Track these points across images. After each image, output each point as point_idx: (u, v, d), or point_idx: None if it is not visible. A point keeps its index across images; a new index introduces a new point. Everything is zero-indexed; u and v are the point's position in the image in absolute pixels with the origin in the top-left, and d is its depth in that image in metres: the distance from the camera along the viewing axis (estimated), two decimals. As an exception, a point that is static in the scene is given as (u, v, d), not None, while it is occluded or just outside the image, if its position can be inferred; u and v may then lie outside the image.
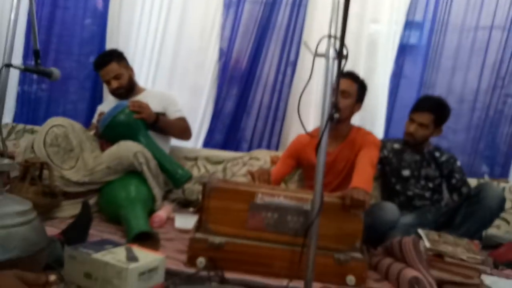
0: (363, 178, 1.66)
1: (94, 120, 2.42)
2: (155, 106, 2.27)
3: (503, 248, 1.89)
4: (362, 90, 2.06)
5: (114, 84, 2.31)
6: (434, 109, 2.09)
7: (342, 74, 1.95)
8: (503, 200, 1.88)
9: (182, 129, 2.39)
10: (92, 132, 2.18)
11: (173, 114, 2.37)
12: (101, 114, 2.24)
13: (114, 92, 2.35)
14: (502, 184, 2.42)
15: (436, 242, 1.53)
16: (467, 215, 1.90)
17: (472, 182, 2.24)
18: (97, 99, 2.88)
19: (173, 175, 2.14)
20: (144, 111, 2.10)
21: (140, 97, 2.33)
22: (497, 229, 2.31)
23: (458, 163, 2.20)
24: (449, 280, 1.43)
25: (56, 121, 1.92)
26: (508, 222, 2.37)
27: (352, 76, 2.00)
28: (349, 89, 1.97)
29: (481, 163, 2.65)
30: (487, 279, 1.52)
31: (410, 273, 1.36)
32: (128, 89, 2.36)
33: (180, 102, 2.46)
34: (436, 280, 1.39)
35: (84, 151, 1.96)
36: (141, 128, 2.12)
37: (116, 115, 2.04)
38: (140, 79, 2.69)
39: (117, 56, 2.35)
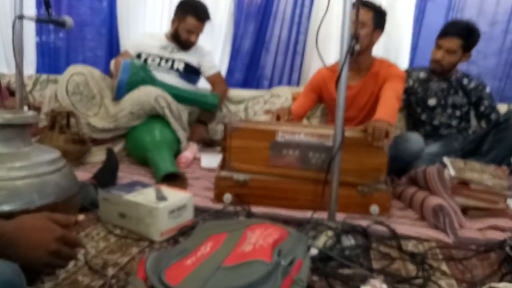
0: (387, 110, 1.61)
1: (128, 47, 2.48)
2: (193, 59, 2.40)
3: (531, 173, 1.86)
4: (379, 16, 1.91)
5: (194, 38, 2.36)
6: (462, 33, 1.97)
7: (354, 4, 1.84)
8: (534, 125, 1.82)
9: (225, 93, 2.53)
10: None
11: (208, 71, 2.45)
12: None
13: (187, 43, 2.37)
14: (534, 109, 2.32)
15: (462, 170, 1.51)
16: (495, 142, 1.85)
17: (503, 108, 2.16)
18: (114, 45, 2.87)
19: (204, 101, 2.29)
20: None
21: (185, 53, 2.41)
22: (526, 155, 2.26)
23: (488, 89, 2.11)
24: (473, 206, 1.43)
25: (75, 69, 1.93)
26: (538, 147, 2.31)
27: (365, 4, 1.87)
28: (363, 18, 1.83)
29: (513, 88, 2.53)
30: (513, 204, 1.52)
31: (434, 200, 1.37)
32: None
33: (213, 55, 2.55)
34: (461, 207, 1.40)
35: (105, 98, 1.99)
36: (153, 75, 2.12)
37: (129, 77, 1.98)
38: (156, 23, 2.64)
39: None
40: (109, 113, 1.94)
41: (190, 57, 2.40)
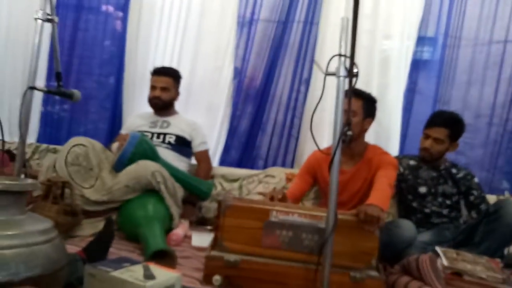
0: (380, 196, 1.64)
1: (122, 130, 2.56)
2: (183, 132, 2.47)
3: (525, 267, 1.84)
4: (369, 105, 2.02)
5: (157, 92, 2.46)
6: (448, 123, 2.09)
7: (346, 94, 1.96)
8: (524, 217, 1.84)
9: (208, 172, 2.55)
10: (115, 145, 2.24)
11: (198, 147, 2.51)
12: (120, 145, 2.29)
13: (152, 100, 2.49)
14: (523, 200, 2.36)
15: (454, 260, 1.50)
16: (486, 233, 1.86)
17: (492, 198, 2.20)
18: (117, 118, 2.97)
19: (199, 188, 2.28)
20: None
21: (171, 118, 2.51)
22: (519, 247, 2.25)
23: (476, 179, 2.17)
24: (468, 299, 1.40)
25: (77, 141, 1.98)
26: (530, 239, 2.31)
27: (356, 93, 1.94)
28: (353, 107, 1.92)
29: (501, 179, 2.60)
30: (508, 298, 1.49)
31: (427, 292, 1.35)
32: (164, 106, 2.51)
33: (205, 132, 2.61)
34: (455, 299, 1.37)
35: (103, 170, 2.01)
36: (157, 154, 2.17)
37: (133, 151, 2.03)
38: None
39: (177, 77, 2.56)
40: (105, 186, 1.95)
41: (181, 130, 2.48)
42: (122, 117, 2.94)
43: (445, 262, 1.48)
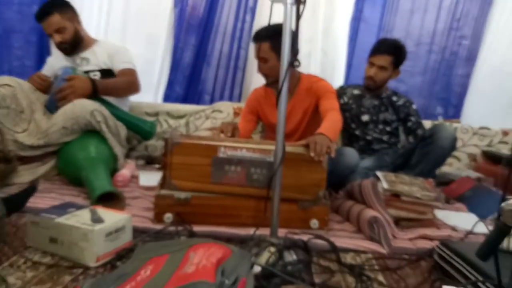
0: (330, 126, 1.65)
1: (43, 71, 2.26)
2: (105, 59, 2.19)
3: (454, 184, 2.03)
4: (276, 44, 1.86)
5: (57, 38, 2.11)
6: (392, 50, 2.13)
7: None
8: (455, 140, 1.98)
9: (126, 85, 2.15)
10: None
11: (119, 66, 2.18)
12: (39, 77, 2.06)
13: (59, 47, 2.17)
14: (455, 125, 2.54)
15: (393, 183, 1.61)
16: (422, 156, 2.00)
17: (427, 124, 2.34)
18: (45, 54, 2.69)
19: (141, 127, 2.16)
20: (71, 98, 1.83)
21: (88, 52, 2.21)
22: (449, 167, 2.46)
23: (414, 106, 2.28)
24: (405, 217, 1.53)
25: (2, 81, 1.80)
26: (459, 160, 2.53)
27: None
28: (262, 54, 1.86)
29: (436, 105, 2.76)
30: (439, 213, 1.64)
31: (369, 213, 1.44)
32: (73, 43, 2.16)
33: (131, 53, 2.27)
34: (394, 218, 1.48)
35: (35, 112, 1.86)
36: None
37: None
38: (91, 29, 2.53)
39: (60, 6, 2.11)
40: (40, 129, 1.81)
41: (103, 63, 2.18)
42: (50, 51, 2.67)
43: (385, 185, 1.58)
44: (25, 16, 2.74)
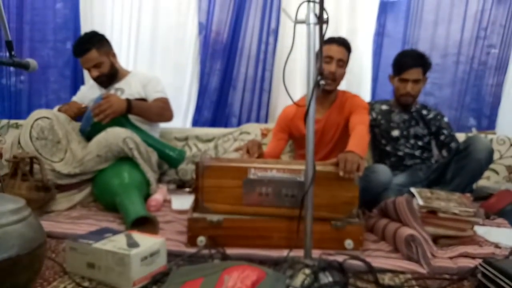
0: (358, 143, 1.65)
1: (75, 98, 2.38)
2: (138, 90, 2.25)
3: (493, 199, 1.94)
4: (350, 53, 2.05)
5: (95, 73, 2.20)
6: (420, 62, 2.12)
7: (337, 42, 1.95)
8: (491, 152, 1.91)
9: (159, 110, 2.20)
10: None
11: (152, 95, 2.24)
12: (74, 104, 2.18)
13: (96, 81, 2.26)
14: (490, 136, 2.45)
15: (429, 199, 1.56)
16: (457, 170, 1.93)
17: (460, 136, 2.27)
18: (78, 86, 2.82)
19: (169, 156, 2.19)
20: (108, 113, 1.92)
21: (122, 83, 2.29)
22: (487, 180, 2.37)
23: (446, 119, 2.22)
24: (443, 234, 1.47)
25: (40, 114, 1.89)
26: (497, 173, 2.42)
27: (345, 44, 1.99)
28: (344, 58, 1.97)
29: (468, 117, 2.68)
30: (479, 229, 1.57)
31: (405, 231, 1.40)
32: (110, 76, 2.25)
33: (162, 83, 2.35)
34: (431, 236, 1.43)
35: (71, 142, 1.94)
36: (125, 120, 2.07)
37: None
38: (121, 61, 2.63)
39: (97, 42, 2.20)
40: (76, 158, 1.88)
41: (136, 93, 2.24)
42: (84, 82, 2.80)
43: (420, 201, 1.53)
44: (59, 52, 2.90)
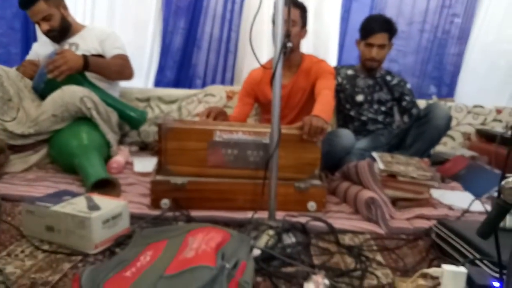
0: (324, 108, 1.66)
1: (29, 57, 2.21)
2: (94, 45, 2.12)
3: (449, 163, 2.04)
4: (305, 13, 1.99)
5: (44, 26, 2.03)
6: (386, 27, 2.11)
7: (286, 2, 1.89)
8: (450, 119, 1.98)
9: (119, 68, 2.07)
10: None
11: (110, 52, 2.10)
12: (31, 63, 2.03)
13: (47, 35, 2.09)
14: (449, 103, 2.55)
15: (389, 163, 1.61)
16: (417, 135, 1.99)
17: (421, 103, 2.34)
18: (30, 40, 2.63)
19: (130, 116, 2.10)
20: (63, 70, 1.78)
21: (78, 37, 2.14)
22: (443, 146, 2.48)
23: (408, 85, 2.27)
24: (402, 197, 1.53)
25: (-14, 69, 1.74)
26: (453, 139, 2.54)
27: (292, 2, 1.92)
28: (293, 17, 1.90)
29: (429, 84, 2.75)
30: (435, 192, 1.65)
31: (366, 194, 1.44)
32: (61, 30, 2.08)
33: (122, 39, 2.21)
34: (390, 198, 1.49)
35: (24, 100, 1.82)
36: (82, 77, 1.95)
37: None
38: (76, 16, 2.46)
39: None
40: (29, 117, 1.77)
41: (93, 48, 2.09)
42: (36, 37, 2.60)
43: (381, 166, 1.58)
44: (6, 1, 2.66)
